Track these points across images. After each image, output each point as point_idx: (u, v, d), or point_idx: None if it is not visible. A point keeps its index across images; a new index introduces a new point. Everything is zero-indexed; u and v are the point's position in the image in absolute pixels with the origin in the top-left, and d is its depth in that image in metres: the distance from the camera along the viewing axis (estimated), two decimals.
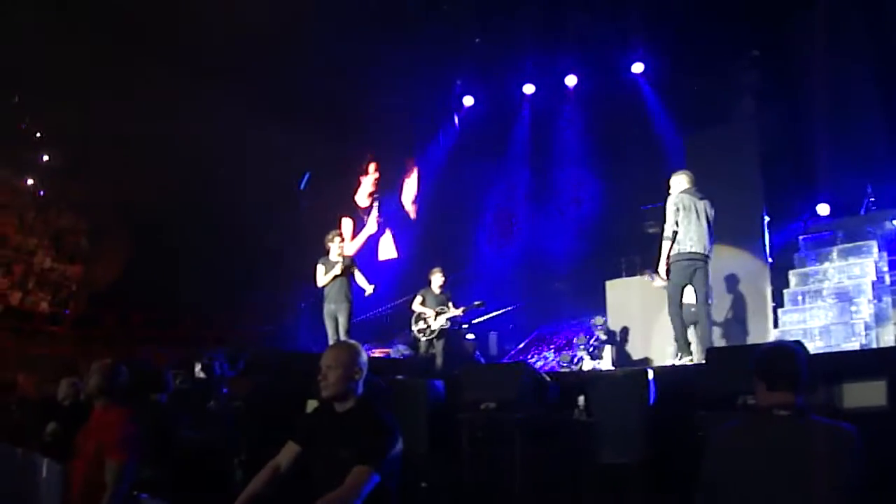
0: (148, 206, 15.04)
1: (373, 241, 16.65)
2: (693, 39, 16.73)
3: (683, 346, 10.49)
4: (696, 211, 10.75)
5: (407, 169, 17.67)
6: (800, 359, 4.63)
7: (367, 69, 16.88)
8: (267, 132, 15.27)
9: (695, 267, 10.76)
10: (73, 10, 14.05)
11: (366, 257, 16.03)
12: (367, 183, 16.95)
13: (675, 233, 10.64)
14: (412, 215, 17.45)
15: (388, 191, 17.71)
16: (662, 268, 10.82)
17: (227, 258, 16.03)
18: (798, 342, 8.44)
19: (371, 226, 16.48)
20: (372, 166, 17.05)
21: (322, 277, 13.28)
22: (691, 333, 11.00)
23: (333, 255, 13.39)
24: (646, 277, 14.48)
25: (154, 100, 14.40)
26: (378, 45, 16.65)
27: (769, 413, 4.53)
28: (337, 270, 13.25)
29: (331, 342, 12.48)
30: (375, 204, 16.86)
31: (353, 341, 5.39)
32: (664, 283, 10.92)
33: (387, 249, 17.00)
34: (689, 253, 10.69)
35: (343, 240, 13.86)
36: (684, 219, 10.70)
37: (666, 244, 10.69)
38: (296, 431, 5.22)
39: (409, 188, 17.60)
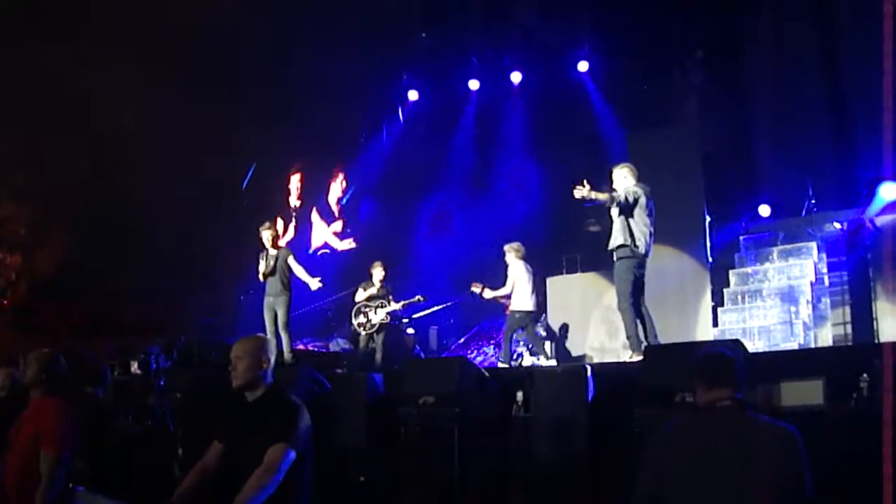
0: (90, 195, 14.84)
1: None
2: (638, 39, 16.79)
3: (636, 344, 10.46)
4: (650, 211, 10.74)
5: (333, 173, 17.58)
6: (737, 360, 4.81)
7: (312, 59, 16.78)
8: (210, 123, 15.12)
9: (644, 269, 10.78)
10: None
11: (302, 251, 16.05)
12: (294, 186, 17.01)
13: (622, 205, 10.54)
14: (337, 218, 17.43)
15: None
16: (587, 193, 10.65)
17: (169, 250, 15.87)
18: (737, 341, 8.52)
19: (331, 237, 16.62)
20: (296, 177, 17.13)
21: (261, 270, 13.18)
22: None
23: (270, 248, 13.24)
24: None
25: (93, 88, 14.20)
26: (323, 35, 16.56)
27: (712, 406, 4.62)
28: (270, 263, 13.10)
29: (268, 335, 12.41)
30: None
31: (259, 334, 5.53)
32: (584, 192, 10.74)
33: (336, 241, 17.04)
34: (643, 256, 10.68)
35: (276, 232, 13.59)
36: (640, 214, 10.66)
37: (610, 200, 10.55)
38: (216, 430, 5.37)
39: (335, 191, 17.54)
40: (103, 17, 14.04)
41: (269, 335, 12.58)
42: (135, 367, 11.97)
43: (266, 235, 13.13)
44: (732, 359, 4.81)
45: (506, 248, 13.88)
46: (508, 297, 13.83)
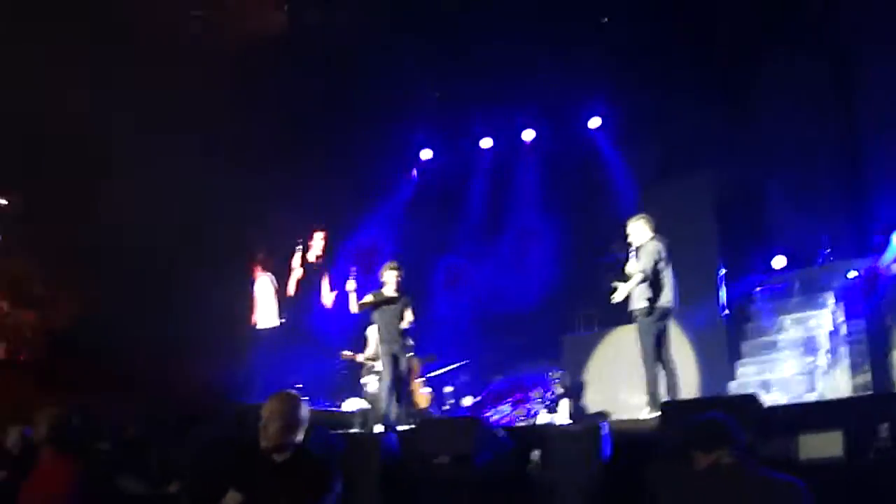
0: (105, 252, 14.85)
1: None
2: (651, 93, 16.78)
3: (654, 401, 10.38)
4: (671, 264, 10.72)
5: (311, 234, 17.50)
6: (729, 423, 4.97)
7: (325, 117, 16.86)
8: (220, 183, 15.15)
9: (667, 322, 10.74)
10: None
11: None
12: (315, 245, 16.94)
13: (647, 278, 10.55)
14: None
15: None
16: (624, 292, 10.71)
17: (183, 306, 15.86)
18: (752, 395, 8.45)
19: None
20: (319, 235, 17.05)
21: (365, 301, 12.69)
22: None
23: (393, 292, 12.70)
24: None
25: (111, 144, 14.24)
26: (335, 95, 16.65)
27: (715, 466, 4.62)
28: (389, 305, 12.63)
29: (388, 384, 12.29)
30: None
31: (294, 392, 5.37)
32: (619, 297, 10.81)
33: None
34: (667, 308, 10.65)
35: (401, 275, 12.88)
36: (664, 270, 10.65)
37: (637, 279, 10.59)
38: (237, 479, 5.19)
39: (315, 248, 17.47)
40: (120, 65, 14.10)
41: (388, 384, 12.34)
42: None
43: (392, 275, 12.67)
44: (724, 421, 4.97)
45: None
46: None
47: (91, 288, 15.48)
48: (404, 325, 12.71)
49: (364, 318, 13.20)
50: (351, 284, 12.65)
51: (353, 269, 13.03)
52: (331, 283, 16.79)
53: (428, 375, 15.54)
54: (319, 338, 16.30)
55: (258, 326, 13.80)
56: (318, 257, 17.17)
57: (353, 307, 12.75)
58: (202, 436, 10.74)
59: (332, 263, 17.40)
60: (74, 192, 14.39)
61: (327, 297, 16.66)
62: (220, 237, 15.51)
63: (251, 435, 5.26)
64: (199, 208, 14.89)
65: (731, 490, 4.58)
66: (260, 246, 15.83)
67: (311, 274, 16.86)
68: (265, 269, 14.80)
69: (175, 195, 14.67)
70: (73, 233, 14.57)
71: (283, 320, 14.24)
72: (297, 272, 16.31)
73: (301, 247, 16.75)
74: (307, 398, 5.43)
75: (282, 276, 15.61)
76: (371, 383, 14.01)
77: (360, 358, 14.11)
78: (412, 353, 14.21)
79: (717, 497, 4.62)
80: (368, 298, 12.62)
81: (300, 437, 5.09)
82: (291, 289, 16.06)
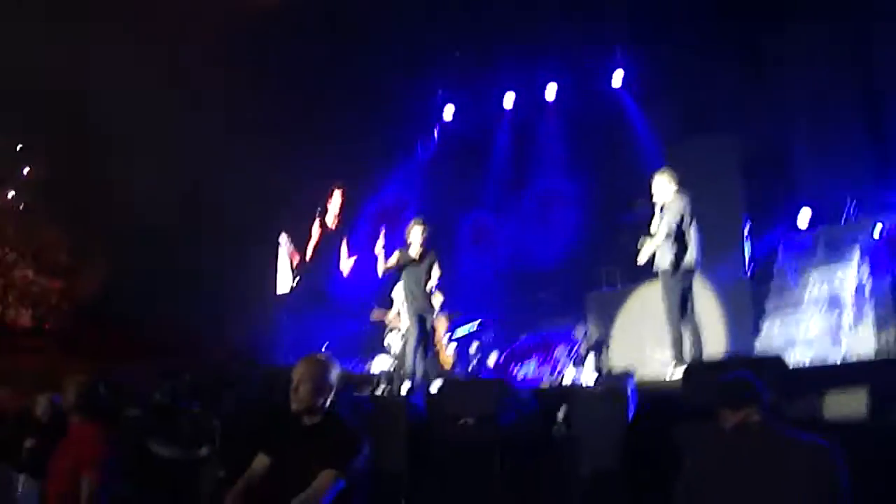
0: (130, 221, 14.93)
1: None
2: (673, 48, 16.69)
3: (680, 359, 10.40)
4: (696, 221, 10.70)
5: (330, 191, 17.48)
6: (757, 382, 4.99)
7: (345, 76, 16.84)
8: (246, 149, 15.17)
9: (691, 280, 10.74)
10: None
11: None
12: (333, 207, 16.94)
13: (672, 235, 10.53)
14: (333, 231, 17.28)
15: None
16: (648, 252, 10.71)
17: (208, 271, 15.93)
18: (776, 356, 8.46)
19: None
20: (337, 192, 17.02)
21: (390, 264, 12.31)
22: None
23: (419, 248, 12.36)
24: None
25: (136, 118, 14.26)
26: (355, 54, 16.62)
27: (742, 425, 4.64)
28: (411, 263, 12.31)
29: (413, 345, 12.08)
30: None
31: (326, 355, 5.40)
32: (644, 257, 10.80)
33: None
34: (692, 266, 10.65)
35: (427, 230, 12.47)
36: (688, 228, 10.62)
37: (661, 236, 10.57)
38: (265, 443, 5.25)
39: (332, 210, 17.45)
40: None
41: (415, 344, 12.12)
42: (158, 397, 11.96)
43: (418, 232, 12.30)
44: (751, 380, 4.98)
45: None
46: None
47: (116, 256, 15.60)
48: (432, 283, 12.51)
49: (388, 278, 13.09)
50: (379, 247, 12.43)
51: (382, 229, 12.79)
52: (349, 249, 16.80)
53: (453, 335, 15.49)
54: (342, 299, 16.37)
55: (278, 291, 13.82)
56: (336, 218, 17.19)
57: (381, 269, 12.44)
58: (232, 400, 10.81)
59: (352, 227, 17.43)
60: (101, 164, 14.49)
61: (345, 264, 16.67)
62: (243, 204, 15.59)
63: (280, 398, 5.29)
64: (222, 176, 14.97)
65: (759, 449, 4.60)
66: (282, 209, 15.85)
67: (331, 237, 16.91)
68: (285, 231, 14.81)
69: (199, 165, 14.75)
70: (99, 202, 14.67)
71: (296, 283, 14.22)
72: (315, 236, 16.33)
73: (320, 211, 16.76)
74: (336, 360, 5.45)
75: (301, 240, 15.66)
76: (395, 343, 14.01)
77: (389, 317, 14.02)
78: (438, 312, 14.23)
79: (745, 456, 4.64)
80: (394, 259, 12.30)
81: (330, 399, 5.12)
82: (309, 253, 16.08)
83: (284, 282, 13.99)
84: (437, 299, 13.69)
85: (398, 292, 13.11)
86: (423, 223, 12.50)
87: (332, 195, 17.30)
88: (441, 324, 14.39)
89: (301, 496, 4.72)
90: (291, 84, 15.88)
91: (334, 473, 4.77)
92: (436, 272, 12.53)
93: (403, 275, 12.48)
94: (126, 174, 14.17)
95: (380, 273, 12.50)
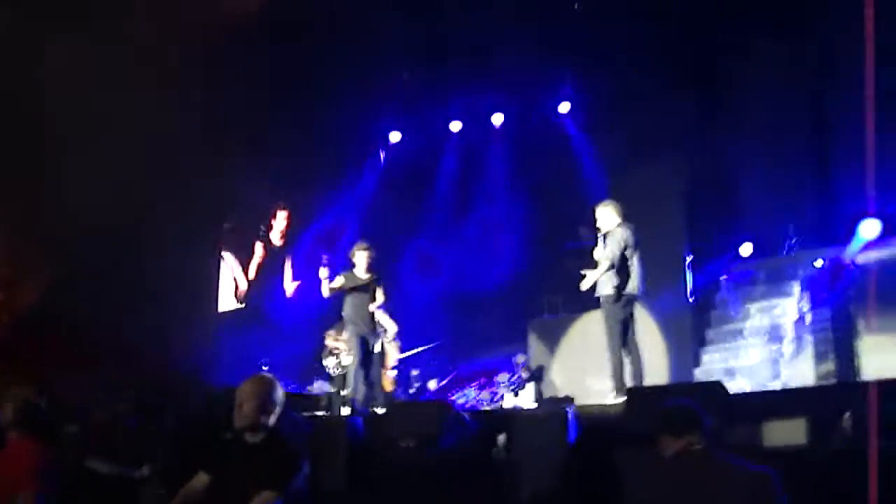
0: (70, 231, 14.75)
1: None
2: (620, 79, 16.80)
3: (620, 386, 10.44)
4: (638, 251, 10.77)
5: (274, 212, 17.45)
6: (699, 409, 5.01)
7: (293, 97, 16.79)
8: (185, 160, 15.05)
9: (633, 308, 10.81)
10: None
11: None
12: (278, 226, 16.90)
13: (614, 265, 10.59)
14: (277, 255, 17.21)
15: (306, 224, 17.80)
16: (591, 280, 10.74)
17: (151, 284, 15.78)
18: (717, 383, 8.50)
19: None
20: (282, 213, 16.99)
21: (335, 286, 12.34)
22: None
23: (363, 273, 12.44)
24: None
25: (72, 120, 14.09)
26: (305, 74, 16.59)
27: (684, 452, 4.64)
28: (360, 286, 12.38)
29: (356, 366, 12.06)
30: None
31: (270, 375, 5.45)
32: (587, 284, 10.84)
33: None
34: (633, 295, 10.72)
35: (373, 256, 12.65)
36: (631, 257, 10.71)
37: (604, 266, 10.62)
38: (206, 461, 5.28)
39: (277, 229, 17.41)
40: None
41: (357, 367, 12.11)
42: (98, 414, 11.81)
43: (363, 256, 12.43)
44: (693, 408, 5.01)
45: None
46: None
47: (55, 268, 15.37)
48: (374, 306, 12.53)
49: (329, 300, 13.02)
50: (324, 272, 12.35)
51: (326, 256, 12.67)
52: (293, 272, 16.74)
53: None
54: (283, 320, 16.27)
55: (220, 310, 13.68)
56: (281, 237, 17.13)
57: (325, 292, 12.39)
58: (173, 417, 10.71)
59: (296, 249, 17.37)
60: (36, 170, 14.27)
61: (289, 286, 16.62)
62: (185, 216, 15.42)
63: (221, 416, 5.30)
64: (164, 186, 14.80)
65: (700, 476, 4.59)
66: (223, 223, 15.72)
67: (275, 257, 16.83)
68: (227, 247, 14.69)
69: (139, 173, 14.56)
70: (36, 211, 14.44)
71: (243, 304, 14.13)
72: (258, 255, 16.25)
73: (263, 231, 16.69)
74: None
75: (244, 257, 15.55)
76: (332, 366, 13.98)
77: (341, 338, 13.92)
78: (394, 340, 14.21)
79: (686, 483, 4.62)
80: (339, 281, 12.32)
81: (273, 419, 5.18)
82: (252, 273, 15.99)
83: (227, 299, 13.84)
84: (392, 326, 13.72)
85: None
86: (368, 247, 12.59)
87: (275, 215, 17.21)
88: (393, 350, 14.36)
89: None
90: (239, 100, 15.78)
91: (273, 494, 4.80)
92: (380, 296, 12.55)
93: (347, 298, 12.43)
94: (69, 183, 13.94)
95: (325, 294, 12.43)
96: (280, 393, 5.28)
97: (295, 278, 17.16)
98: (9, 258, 16.79)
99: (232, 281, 14.25)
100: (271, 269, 16.68)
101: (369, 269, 12.52)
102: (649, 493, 4.88)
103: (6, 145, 14.10)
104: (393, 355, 14.34)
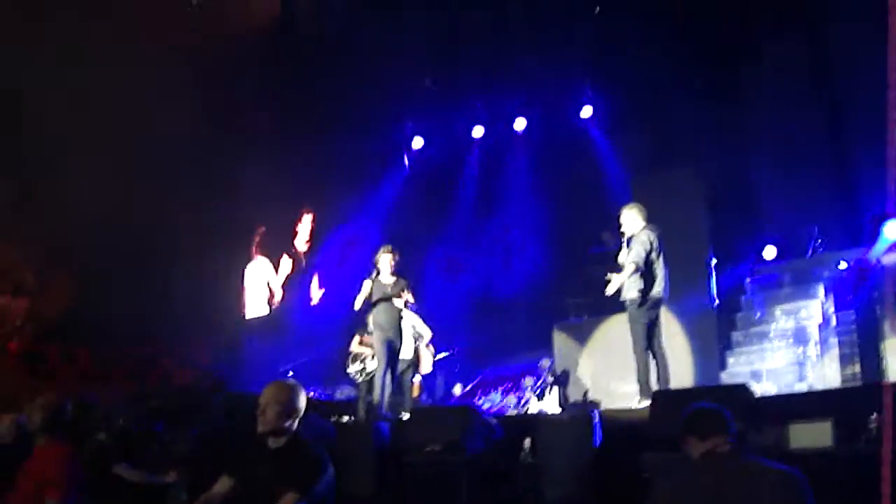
0: (98, 241, 14.81)
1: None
2: (642, 84, 16.81)
3: (646, 390, 10.42)
4: (663, 254, 10.76)
5: (300, 216, 17.45)
6: (725, 411, 4.99)
7: (315, 103, 16.84)
8: (214, 173, 15.11)
9: (658, 311, 10.79)
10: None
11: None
12: (303, 231, 16.91)
13: (639, 269, 10.58)
14: (303, 261, 17.18)
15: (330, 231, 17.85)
16: (616, 284, 10.73)
17: (178, 294, 15.84)
18: (743, 385, 8.49)
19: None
20: (307, 216, 17.01)
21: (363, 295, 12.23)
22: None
23: (388, 275, 12.35)
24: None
25: (103, 130, 14.15)
26: (328, 79, 16.63)
27: (711, 454, 4.63)
28: (386, 291, 12.24)
29: (381, 372, 11.99)
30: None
31: (293, 380, 5.49)
32: (612, 289, 10.82)
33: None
34: (658, 298, 10.70)
35: (396, 257, 12.51)
36: (656, 261, 10.69)
37: (629, 270, 10.61)
38: (230, 465, 5.35)
39: (302, 234, 17.40)
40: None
41: (383, 372, 12.01)
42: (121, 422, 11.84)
43: (387, 259, 12.32)
44: (719, 410, 4.98)
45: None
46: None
47: (83, 276, 15.46)
48: (401, 303, 12.40)
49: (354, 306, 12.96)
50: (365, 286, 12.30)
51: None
52: (319, 281, 16.75)
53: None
54: (307, 326, 16.31)
55: (248, 316, 13.72)
56: (307, 243, 17.14)
57: (359, 302, 12.26)
58: (197, 425, 10.75)
59: (321, 257, 17.39)
60: (67, 181, 14.36)
61: (316, 294, 16.63)
62: (213, 227, 15.50)
63: (245, 424, 5.33)
64: (192, 198, 14.88)
65: (727, 478, 4.58)
66: (255, 231, 15.75)
67: (300, 264, 16.86)
68: (261, 252, 14.73)
69: (169, 185, 14.65)
70: (67, 221, 14.53)
71: (272, 308, 14.19)
72: (288, 264, 16.28)
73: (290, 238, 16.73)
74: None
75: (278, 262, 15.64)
76: (357, 371, 13.96)
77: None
78: (429, 345, 14.18)
79: (713, 485, 4.61)
80: (366, 288, 12.24)
81: (295, 424, 5.21)
82: (282, 279, 16.01)
83: (258, 305, 13.87)
84: (427, 332, 13.78)
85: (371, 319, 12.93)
86: (392, 250, 12.51)
87: (301, 220, 17.24)
88: (428, 356, 14.32)
89: None
90: (264, 108, 15.85)
91: (296, 496, 4.85)
92: (408, 296, 12.42)
93: (374, 303, 12.37)
94: (95, 192, 14.03)
95: (357, 306, 12.38)
96: (302, 398, 5.31)
97: (321, 285, 17.18)
98: (33, 267, 16.93)
99: (265, 286, 14.22)
100: (296, 274, 16.70)
101: (394, 271, 12.43)
102: (678, 494, 4.86)
103: (30, 155, 14.22)
104: (428, 361, 14.30)
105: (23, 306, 17.49)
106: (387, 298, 12.28)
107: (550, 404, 14.45)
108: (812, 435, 7.19)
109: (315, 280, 16.95)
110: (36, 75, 13.48)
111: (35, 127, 13.98)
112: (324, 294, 17.00)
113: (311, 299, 16.77)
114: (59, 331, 16.37)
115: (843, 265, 13.69)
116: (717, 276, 14.96)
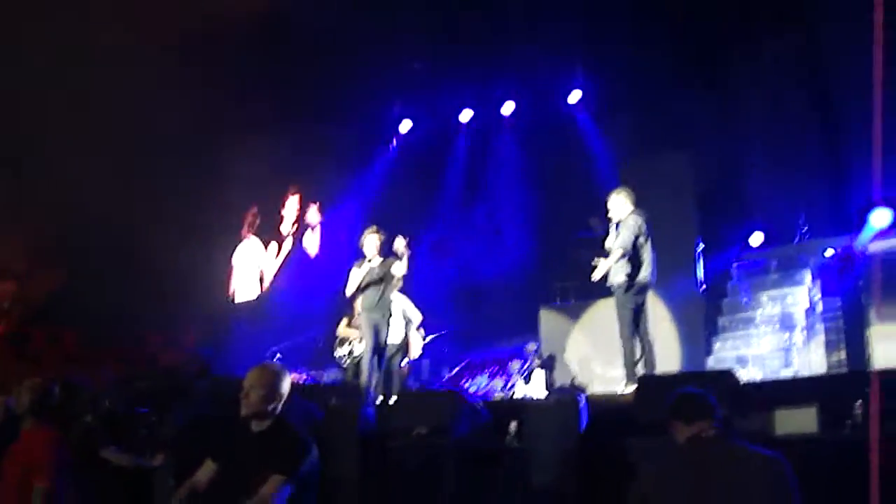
0: (84, 224, 14.77)
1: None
2: (631, 70, 16.80)
3: (632, 374, 10.45)
4: (651, 239, 10.77)
5: (287, 192, 17.40)
6: (710, 396, 5.03)
7: (303, 83, 16.80)
8: (204, 152, 15.08)
9: (645, 296, 10.82)
10: None
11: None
12: (290, 212, 16.87)
13: (627, 254, 10.59)
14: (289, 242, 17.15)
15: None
16: (604, 269, 10.73)
17: (165, 276, 15.79)
18: (728, 371, 8.51)
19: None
20: (295, 197, 16.96)
21: (356, 281, 12.09)
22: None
23: (375, 256, 12.14)
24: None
25: (90, 115, 14.11)
26: (318, 59, 16.59)
27: (696, 438, 4.66)
28: (373, 273, 12.04)
29: (368, 357, 11.88)
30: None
31: (277, 364, 5.47)
32: (599, 274, 10.83)
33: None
34: (645, 283, 10.72)
35: (382, 237, 12.29)
36: (643, 246, 10.71)
37: (616, 254, 10.61)
38: (214, 449, 5.39)
39: (289, 215, 17.36)
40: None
41: (370, 356, 11.92)
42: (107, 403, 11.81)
43: (373, 240, 12.16)
44: (705, 395, 5.02)
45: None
46: None
47: (71, 259, 15.43)
48: (392, 287, 12.35)
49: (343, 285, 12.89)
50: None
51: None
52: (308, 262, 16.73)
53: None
54: (293, 309, 16.28)
55: (237, 299, 13.70)
56: (294, 223, 17.10)
57: (349, 291, 12.23)
58: (183, 408, 10.73)
59: (311, 224, 17.35)
60: (53, 166, 14.32)
61: (312, 247, 16.59)
62: (201, 209, 15.46)
63: (230, 407, 5.33)
64: (180, 180, 14.83)
65: (713, 462, 4.61)
66: (244, 212, 15.68)
67: (287, 242, 16.82)
68: (252, 231, 14.69)
69: (156, 168, 14.62)
70: (52, 204, 14.50)
71: (263, 291, 14.17)
72: (283, 248, 16.24)
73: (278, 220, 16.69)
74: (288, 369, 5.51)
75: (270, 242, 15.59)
76: (344, 354, 13.95)
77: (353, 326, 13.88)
78: (418, 329, 14.14)
79: (699, 469, 4.64)
80: (355, 274, 12.12)
81: (279, 407, 5.23)
82: (277, 264, 15.95)
83: (249, 287, 13.83)
84: (417, 316, 13.74)
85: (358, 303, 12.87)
86: (378, 231, 12.38)
87: (288, 200, 17.19)
88: (418, 340, 14.29)
89: (249, 502, 4.79)
90: (249, 91, 15.81)
91: (282, 478, 4.85)
92: (398, 270, 12.17)
93: (362, 287, 12.26)
94: (82, 174, 13.97)
95: (349, 293, 12.34)
96: (287, 382, 5.32)
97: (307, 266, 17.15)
98: (22, 252, 16.88)
99: (256, 268, 14.18)
100: (285, 256, 16.65)
101: (380, 252, 12.23)
102: (664, 478, 4.88)
103: (21, 144, 14.19)
104: (418, 345, 14.28)
105: (10, 289, 17.46)
106: (375, 281, 12.14)
107: (537, 388, 14.47)
108: (797, 421, 7.21)
109: (310, 238, 16.92)
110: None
111: (23, 115, 13.91)
112: (308, 276, 16.95)
113: (300, 271, 16.69)
114: (45, 313, 16.36)
115: (829, 252, 13.75)
116: (704, 261, 15.01)
